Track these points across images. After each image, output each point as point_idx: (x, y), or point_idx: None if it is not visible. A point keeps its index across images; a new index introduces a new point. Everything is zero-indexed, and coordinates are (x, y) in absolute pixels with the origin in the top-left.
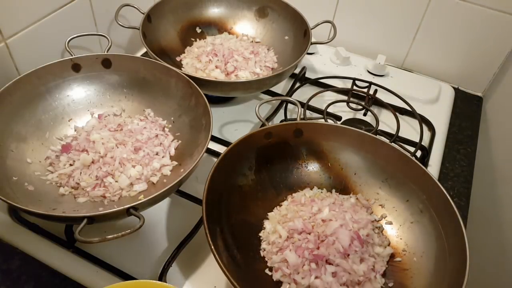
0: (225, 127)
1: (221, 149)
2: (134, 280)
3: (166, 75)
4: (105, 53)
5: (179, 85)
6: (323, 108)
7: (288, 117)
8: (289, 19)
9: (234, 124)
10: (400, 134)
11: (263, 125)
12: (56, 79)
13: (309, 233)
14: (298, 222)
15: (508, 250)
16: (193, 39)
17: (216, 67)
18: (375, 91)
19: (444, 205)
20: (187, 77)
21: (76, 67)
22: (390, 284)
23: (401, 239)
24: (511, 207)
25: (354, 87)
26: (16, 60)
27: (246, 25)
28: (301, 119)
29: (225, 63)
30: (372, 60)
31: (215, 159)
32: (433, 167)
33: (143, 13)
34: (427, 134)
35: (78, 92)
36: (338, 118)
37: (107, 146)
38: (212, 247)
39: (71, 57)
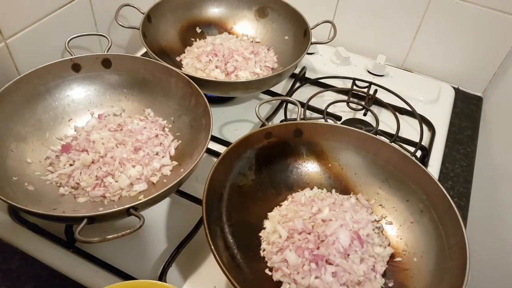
0: (225, 127)
1: (221, 149)
2: (134, 280)
3: (166, 75)
4: (105, 53)
5: (179, 85)
6: (323, 108)
7: (288, 117)
8: (289, 19)
9: (234, 124)
10: (400, 134)
11: (263, 125)
12: (56, 79)
13: (309, 233)
14: (298, 222)
15: (508, 250)
16: (193, 39)
17: (216, 67)
18: (375, 91)
19: (444, 205)
20: (187, 77)
21: (76, 67)
22: (390, 284)
23: (401, 239)
24: (511, 207)
25: (354, 87)
26: (16, 60)
27: (246, 25)
28: (301, 119)
29: (225, 63)
30: (372, 60)
31: (215, 159)
32: (433, 167)
33: (143, 13)
34: (427, 134)
35: (78, 92)
36: (338, 118)
37: (107, 146)
38: (212, 247)
39: (71, 57)
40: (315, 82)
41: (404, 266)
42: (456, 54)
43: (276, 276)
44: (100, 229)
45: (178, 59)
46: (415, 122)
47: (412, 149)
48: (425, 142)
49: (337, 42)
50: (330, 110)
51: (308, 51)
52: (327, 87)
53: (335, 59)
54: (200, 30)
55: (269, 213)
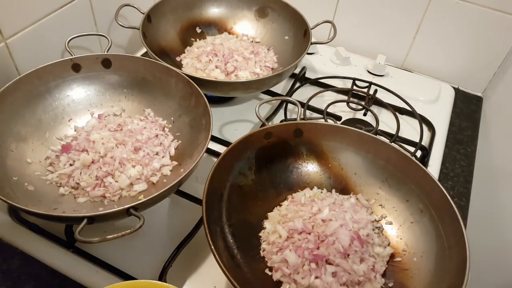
0: (225, 127)
1: (221, 149)
2: (134, 280)
3: (166, 75)
4: (105, 53)
5: (179, 85)
6: (323, 108)
7: (288, 117)
8: (289, 19)
9: (234, 124)
10: (400, 134)
11: (263, 125)
12: (56, 79)
13: (309, 233)
14: (298, 222)
15: (508, 250)
16: (193, 39)
17: (216, 67)
18: (375, 91)
19: (444, 205)
20: (187, 77)
21: (76, 67)
22: (390, 284)
23: (401, 239)
24: (511, 207)
25: (354, 87)
26: (16, 60)
27: (246, 25)
28: (301, 119)
29: (225, 63)
30: (372, 60)
31: (215, 159)
32: (433, 167)
33: (143, 13)
34: (427, 134)
35: (78, 92)
36: (338, 118)
37: (107, 146)
38: (212, 247)
39: (71, 57)
40: (315, 82)
41: (404, 266)
42: (456, 54)
43: (276, 276)
44: (100, 229)
45: (178, 59)
46: (415, 122)
47: (412, 149)
48: (425, 142)
49: (337, 42)
50: (330, 110)
51: (308, 51)
52: (327, 87)
53: (335, 59)
54: (200, 30)
55: (269, 213)
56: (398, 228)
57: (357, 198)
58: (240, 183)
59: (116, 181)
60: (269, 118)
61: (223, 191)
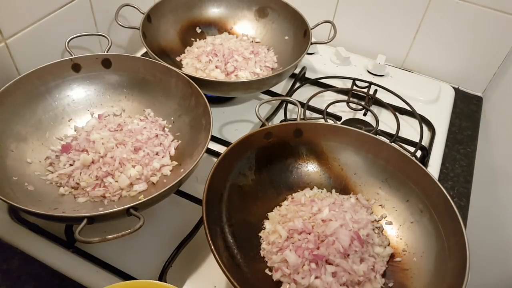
0: (225, 127)
1: (221, 149)
2: (134, 280)
3: (166, 75)
4: (105, 53)
5: (179, 85)
6: (323, 108)
7: (288, 117)
8: (289, 19)
9: (234, 124)
10: (400, 134)
11: (263, 125)
12: (56, 79)
13: (309, 233)
14: (298, 222)
15: (508, 250)
16: (193, 39)
17: (216, 67)
18: (375, 91)
19: (444, 205)
20: (187, 77)
21: (76, 67)
22: (390, 284)
23: (401, 239)
24: (511, 207)
25: (354, 87)
26: (16, 60)
27: (246, 25)
28: (301, 119)
29: (225, 63)
30: (372, 60)
31: (215, 159)
32: (433, 167)
33: (143, 13)
34: (427, 134)
35: (78, 92)
36: (338, 118)
37: (107, 146)
38: (212, 247)
39: (71, 57)
40: (315, 82)
41: (404, 266)
42: (456, 54)
43: (276, 276)
44: (100, 229)
45: (178, 59)
46: (415, 122)
47: (412, 149)
48: (425, 142)
49: (337, 42)
50: (330, 110)
51: (308, 51)
52: (327, 87)
53: (335, 59)
54: (200, 30)
55: (269, 213)
56: (398, 228)
57: (357, 198)
58: (240, 183)
59: (116, 181)
60: (269, 118)
61: (223, 191)
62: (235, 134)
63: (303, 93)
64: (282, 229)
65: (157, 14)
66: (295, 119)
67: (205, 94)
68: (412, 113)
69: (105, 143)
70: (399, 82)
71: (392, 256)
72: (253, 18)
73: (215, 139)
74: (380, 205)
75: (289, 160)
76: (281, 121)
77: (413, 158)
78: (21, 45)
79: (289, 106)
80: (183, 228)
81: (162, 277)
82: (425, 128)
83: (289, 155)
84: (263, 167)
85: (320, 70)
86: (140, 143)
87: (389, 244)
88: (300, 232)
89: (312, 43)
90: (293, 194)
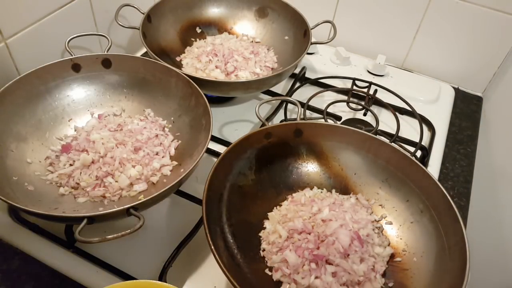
0: (225, 127)
1: (221, 149)
2: (134, 280)
3: (166, 75)
4: (105, 53)
5: (179, 85)
6: (323, 108)
7: (288, 117)
8: (289, 19)
9: (234, 124)
10: (400, 134)
11: (263, 125)
12: (56, 79)
13: (309, 233)
14: (298, 222)
15: (508, 250)
16: (193, 39)
17: (216, 67)
18: (375, 91)
19: (444, 205)
20: (187, 77)
21: (76, 67)
22: (390, 284)
23: (401, 239)
24: (511, 207)
25: (354, 87)
26: (16, 60)
27: (246, 25)
28: (301, 119)
29: (225, 63)
30: (372, 60)
31: (215, 159)
32: (433, 167)
33: (143, 13)
34: (427, 134)
35: (78, 92)
36: (338, 118)
37: (107, 146)
38: (212, 247)
39: (71, 57)
40: (315, 82)
41: (404, 266)
42: (456, 54)
43: (276, 276)
44: (100, 229)
45: (178, 59)
46: (415, 122)
47: (412, 149)
48: (425, 142)
49: (337, 42)
50: (330, 110)
51: (308, 51)
52: (327, 87)
53: (335, 59)
54: (200, 30)
55: (269, 213)
56: (398, 228)
57: (357, 198)
58: (240, 183)
59: (116, 181)
60: (269, 118)
61: (223, 191)
62: (235, 134)
63: (303, 93)
64: (282, 229)
65: (157, 14)
66: (295, 119)
67: (205, 94)
68: (412, 113)
69: (105, 143)
70: (399, 82)
71: (392, 256)
72: (253, 18)
73: (215, 139)
74: (380, 205)
75: (289, 160)
76: (281, 121)
77: (413, 158)
78: (21, 45)
79: (289, 106)
80: (183, 228)
81: (162, 277)
82: (425, 128)
83: (289, 155)
84: (263, 167)
85: (320, 70)
86: (140, 143)
87: (389, 244)
88: (300, 232)
89: (312, 43)
90: (293, 194)
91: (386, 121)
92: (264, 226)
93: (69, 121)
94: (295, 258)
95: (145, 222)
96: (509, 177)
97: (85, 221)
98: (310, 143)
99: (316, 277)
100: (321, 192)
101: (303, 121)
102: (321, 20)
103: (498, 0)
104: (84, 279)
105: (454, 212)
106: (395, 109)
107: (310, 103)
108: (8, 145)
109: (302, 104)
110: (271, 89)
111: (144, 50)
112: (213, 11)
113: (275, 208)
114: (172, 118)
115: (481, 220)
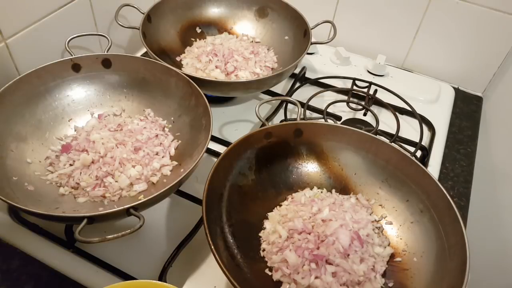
0: (225, 127)
1: (221, 149)
2: (134, 280)
3: (166, 75)
4: (105, 53)
5: (179, 85)
6: (323, 108)
7: (288, 117)
8: (289, 19)
9: (234, 124)
10: (400, 134)
11: (263, 125)
12: (56, 79)
13: (309, 233)
14: (298, 222)
15: (508, 250)
16: (193, 39)
17: (216, 67)
18: (375, 91)
19: (444, 205)
20: (187, 77)
21: (76, 67)
22: (390, 284)
23: (401, 239)
24: (511, 207)
25: (354, 87)
26: (16, 60)
27: (246, 25)
28: (301, 119)
29: (225, 63)
30: (372, 60)
31: (215, 159)
32: (433, 167)
33: (143, 13)
34: (427, 134)
35: (78, 92)
36: (338, 118)
37: (107, 146)
38: (212, 247)
39: (71, 57)
40: (315, 82)
41: (404, 266)
42: (456, 54)
43: (276, 276)
44: (100, 229)
45: (178, 59)
46: (415, 122)
47: (412, 149)
48: (425, 142)
49: (337, 42)
50: (330, 110)
51: (308, 51)
52: (327, 87)
53: (335, 59)
54: (200, 30)
55: (269, 213)
56: (398, 228)
57: (357, 198)
58: (240, 183)
59: (116, 181)
60: (269, 118)
61: (223, 191)
62: (235, 134)
63: (303, 93)
64: (282, 229)
65: (157, 14)
66: (295, 119)
67: (205, 94)
68: (412, 113)
69: (105, 143)
70: (399, 82)
71: (392, 256)
72: (253, 18)
73: (215, 139)
74: (380, 205)
75: (289, 160)
76: (281, 121)
77: (413, 158)
78: (21, 45)
79: (289, 106)
80: (183, 228)
81: (162, 277)
82: (425, 128)
83: (289, 155)
84: (263, 167)
85: (320, 70)
86: (140, 143)
87: (389, 244)
88: (300, 232)
89: (312, 43)
90: (293, 194)
91: (386, 121)
92: (264, 226)
93: (69, 121)
94: (295, 258)
95: (145, 222)
96: (509, 177)
97: (85, 221)
98: (310, 143)
99: (316, 277)
100: (321, 192)
101: (303, 121)
102: (321, 20)
103: (498, 0)
104: (84, 279)
105: (454, 212)
106: (395, 109)
107: (310, 103)
108: (8, 145)
109: (302, 104)
110: (271, 89)
111: (144, 50)
112: (213, 11)
113: (275, 208)
114: (172, 118)
115: (481, 220)
